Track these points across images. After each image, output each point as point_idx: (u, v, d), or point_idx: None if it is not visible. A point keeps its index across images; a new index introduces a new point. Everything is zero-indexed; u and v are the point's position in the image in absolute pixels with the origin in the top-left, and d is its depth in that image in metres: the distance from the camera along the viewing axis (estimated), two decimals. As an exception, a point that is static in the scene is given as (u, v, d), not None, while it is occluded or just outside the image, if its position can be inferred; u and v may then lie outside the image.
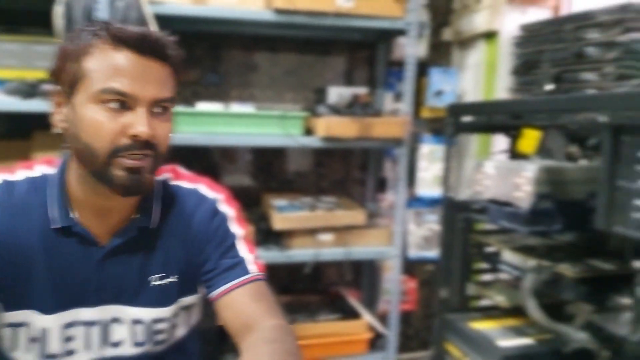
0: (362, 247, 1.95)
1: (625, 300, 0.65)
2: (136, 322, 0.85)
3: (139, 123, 0.72)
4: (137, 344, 0.86)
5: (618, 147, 0.49)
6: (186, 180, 0.93)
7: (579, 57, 1.56)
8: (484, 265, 0.79)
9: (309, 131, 1.89)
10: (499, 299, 0.74)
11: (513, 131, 0.76)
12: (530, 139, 0.67)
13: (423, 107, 2.26)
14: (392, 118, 1.94)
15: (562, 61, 1.73)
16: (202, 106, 1.81)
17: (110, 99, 0.71)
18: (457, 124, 0.73)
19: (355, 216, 1.95)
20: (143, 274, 0.84)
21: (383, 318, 2.17)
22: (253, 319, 0.80)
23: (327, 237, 1.92)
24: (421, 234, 2.37)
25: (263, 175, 2.30)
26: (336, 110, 1.90)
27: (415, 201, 2.30)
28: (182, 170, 0.95)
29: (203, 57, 2.15)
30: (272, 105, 2.18)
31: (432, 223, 2.37)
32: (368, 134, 1.85)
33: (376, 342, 2.05)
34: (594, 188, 0.64)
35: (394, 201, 2.03)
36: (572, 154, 0.68)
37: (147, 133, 0.72)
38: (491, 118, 0.69)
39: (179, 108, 1.72)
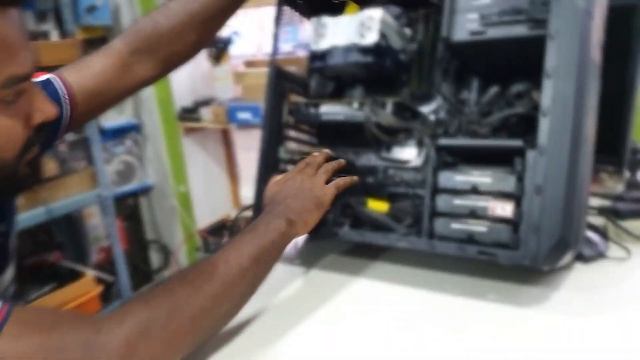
0: (64, 200, 1.68)
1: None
2: None
3: (43, 104, 0.51)
4: None
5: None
6: None
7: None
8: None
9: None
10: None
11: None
12: (352, 11, 0.78)
13: (77, 28, 1.97)
14: (62, 41, 1.64)
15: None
16: None
17: (12, 92, 0.47)
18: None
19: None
20: None
21: (102, 268, 1.98)
22: None
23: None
24: (113, 170, 2.18)
25: None
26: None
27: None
28: None
29: None
30: None
31: (122, 155, 2.20)
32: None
33: (107, 293, 1.88)
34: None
35: (82, 138, 1.78)
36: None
37: (55, 111, 0.52)
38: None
39: None
